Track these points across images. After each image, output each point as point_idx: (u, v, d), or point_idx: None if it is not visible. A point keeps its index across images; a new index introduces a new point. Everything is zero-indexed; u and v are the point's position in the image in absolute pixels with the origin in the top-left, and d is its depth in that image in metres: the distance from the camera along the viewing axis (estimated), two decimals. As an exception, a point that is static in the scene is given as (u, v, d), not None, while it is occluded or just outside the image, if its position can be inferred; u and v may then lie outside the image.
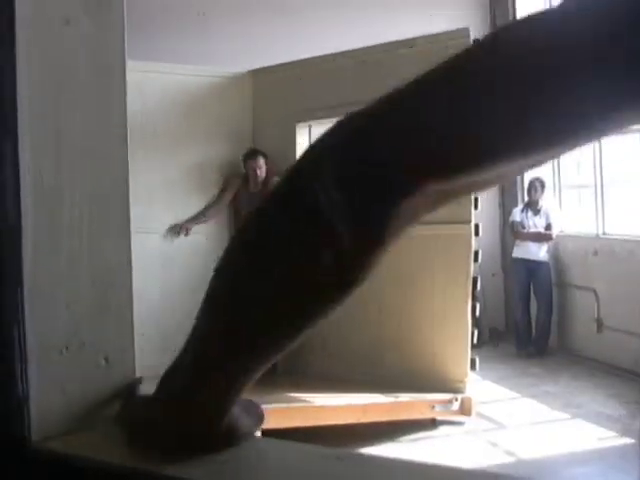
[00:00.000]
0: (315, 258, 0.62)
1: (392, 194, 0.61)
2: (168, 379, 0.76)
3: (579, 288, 7.92)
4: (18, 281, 0.81)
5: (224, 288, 0.70)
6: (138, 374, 0.94)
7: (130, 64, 0.93)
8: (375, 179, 0.61)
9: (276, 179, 5.88)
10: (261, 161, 5.99)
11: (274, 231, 0.65)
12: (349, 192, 0.61)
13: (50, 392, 0.84)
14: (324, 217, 0.61)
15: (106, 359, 0.88)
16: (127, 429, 0.82)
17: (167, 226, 6.15)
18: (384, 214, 0.61)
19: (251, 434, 0.81)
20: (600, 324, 7.51)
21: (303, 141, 6.21)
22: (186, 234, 6.17)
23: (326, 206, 0.61)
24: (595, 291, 7.55)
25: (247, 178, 6.07)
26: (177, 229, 6.17)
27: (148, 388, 0.88)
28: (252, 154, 6.03)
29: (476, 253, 5.35)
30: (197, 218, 6.17)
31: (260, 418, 0.84)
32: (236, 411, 0.78)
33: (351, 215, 0.61)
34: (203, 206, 6.20)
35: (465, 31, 5.21)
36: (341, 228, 0.61)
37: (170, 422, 0.76)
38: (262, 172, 5.97)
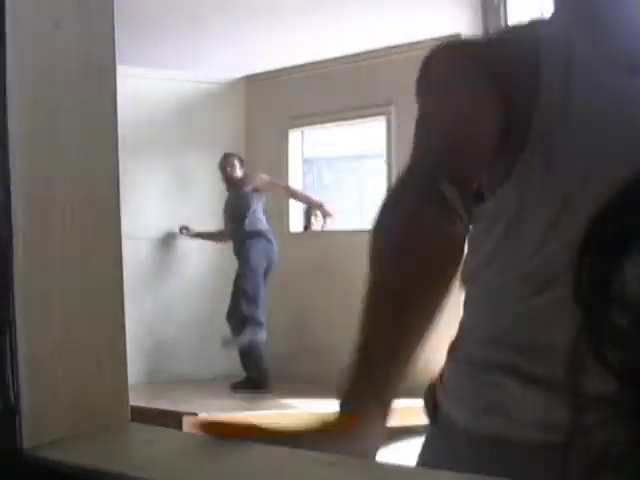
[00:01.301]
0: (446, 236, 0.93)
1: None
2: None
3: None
4: (9, 286, 0.80)
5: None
6: (132, 380, 0.93)
7: (123, 70, 0.93)
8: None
9: (263, 177, 5.87)
10: (235, 161, 5.95)
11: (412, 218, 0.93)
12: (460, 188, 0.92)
13: (41, 398, 0.83)
14: (450, 204, 0.91)
15: (98, 364, 0.88)
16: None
17: (160, 232, 6.14)
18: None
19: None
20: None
21: (296, 147, 6.22)
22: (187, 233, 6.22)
23: (449, 196, 0.90)
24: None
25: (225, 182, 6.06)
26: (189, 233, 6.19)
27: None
28: (225, 157, 6.01)
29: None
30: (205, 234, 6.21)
31: None
32: None
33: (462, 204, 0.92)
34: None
35: (457, 37, 5.23)
36: (460, 211, 0.91)
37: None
38: (235, 171, 5.91)
